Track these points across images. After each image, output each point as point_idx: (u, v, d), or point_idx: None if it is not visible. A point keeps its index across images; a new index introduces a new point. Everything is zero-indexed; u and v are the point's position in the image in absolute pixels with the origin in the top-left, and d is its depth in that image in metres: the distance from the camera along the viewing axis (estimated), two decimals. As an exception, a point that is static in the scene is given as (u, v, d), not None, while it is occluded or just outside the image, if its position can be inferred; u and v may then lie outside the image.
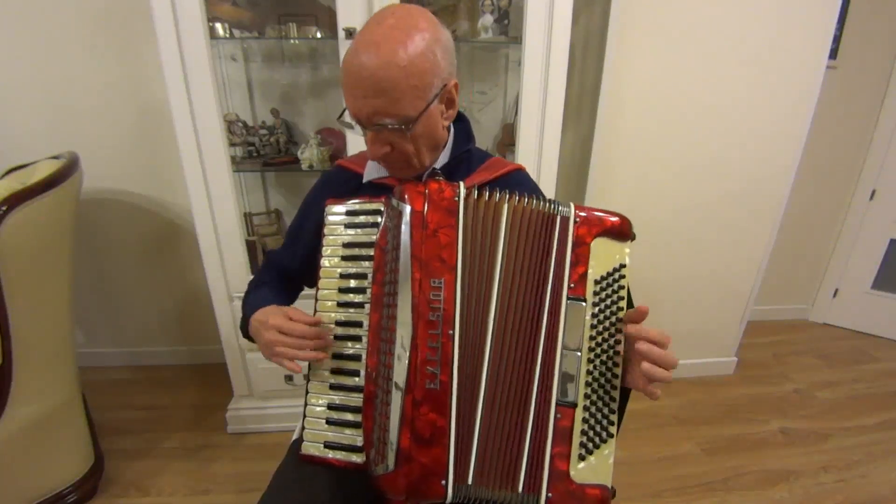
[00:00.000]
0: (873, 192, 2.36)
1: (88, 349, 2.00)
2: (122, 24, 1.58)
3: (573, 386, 0.62)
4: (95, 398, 1.54)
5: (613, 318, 0.64)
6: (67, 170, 1.22)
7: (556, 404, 0.62)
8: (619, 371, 0.63)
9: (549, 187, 1.44)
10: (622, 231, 0.65)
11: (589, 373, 0.63)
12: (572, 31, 1.28)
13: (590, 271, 0.64)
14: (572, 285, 0.63)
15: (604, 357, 0.63)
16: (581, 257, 0.64)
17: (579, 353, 0.63)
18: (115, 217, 1.84)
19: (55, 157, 1.30)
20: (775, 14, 1.58)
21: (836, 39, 2.12)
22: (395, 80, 0.61)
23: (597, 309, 0.64)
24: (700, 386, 2.04)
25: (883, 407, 1.93)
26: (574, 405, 0.62)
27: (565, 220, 0.65)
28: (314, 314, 0.71)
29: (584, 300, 0.63)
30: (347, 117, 0.69)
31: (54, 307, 1.25)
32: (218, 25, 1.34)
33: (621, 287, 0.64)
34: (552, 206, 0.65)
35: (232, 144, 1.52)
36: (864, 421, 1.84)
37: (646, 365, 0.59)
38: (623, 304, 0.64)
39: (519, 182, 0.83)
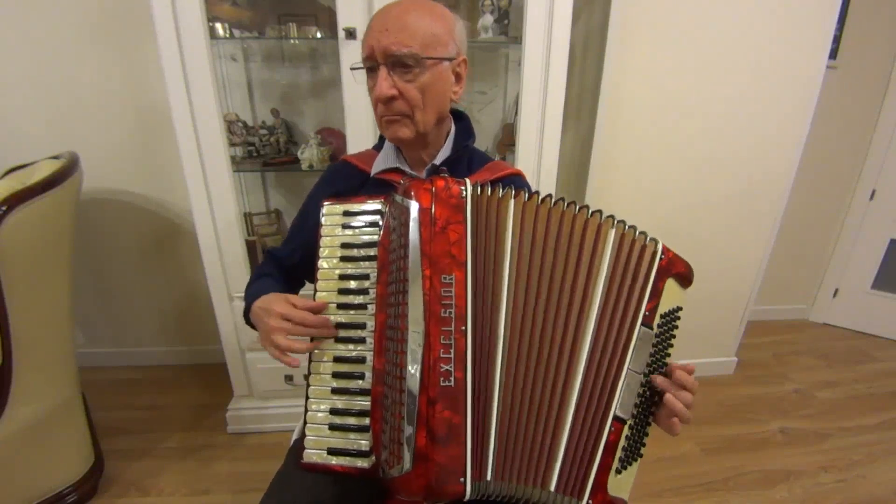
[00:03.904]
0: (873, 192, 2.36)
1: (88, 349, 2.00)
2: (122, 24, 1.58)
3: (629, 405, 0.65)
4: (95, 398, 1.54)
5: (665, 352, 0.68)
6: (67, 170, 1.22)
7: (613, 419, 0.64)
8: (658, 399, 0.68)
9: (549, 187, 1.43)
10: (688, 278, 0.71)
11: (640, 395, 0.66)
12: (572, 30, 1.28)
13: (659, 305, 0.68)
14: (647, 313, 0.66)
15: (654, 382, 0.67)
16: (658, 290, 0.67)
17: (641, 376, 0.66)
18: (115, 217, 1.84)
19: (55, 157, 1.30)
20: (775, 14, 1.58)
21: (836, 39, 2.12)
22: (419, 22, 0.69)
23: (656, 339, 0.67)
24: (700, 386, 2.01)
25: (883, 407, 1.93)
26: (625, 422, 0.65)
27: (641, 246, 0.67)
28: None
29: (653, 328, 0.67)
30: (360, 78, 0.75)
31: (54, 307, 1.25)
32: (218, 25, 1.34)
33: (675, 326, 0.69)
34: (640, 234, 0.68)
35: (232, 144, 1.52)
36: (864, 421, 1.84)
37: (674, 402, 0.65)
38: (674, 341, 0.69)
39: (517, 186, 0.83)
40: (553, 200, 0.66)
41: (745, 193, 1.82)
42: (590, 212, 0.66)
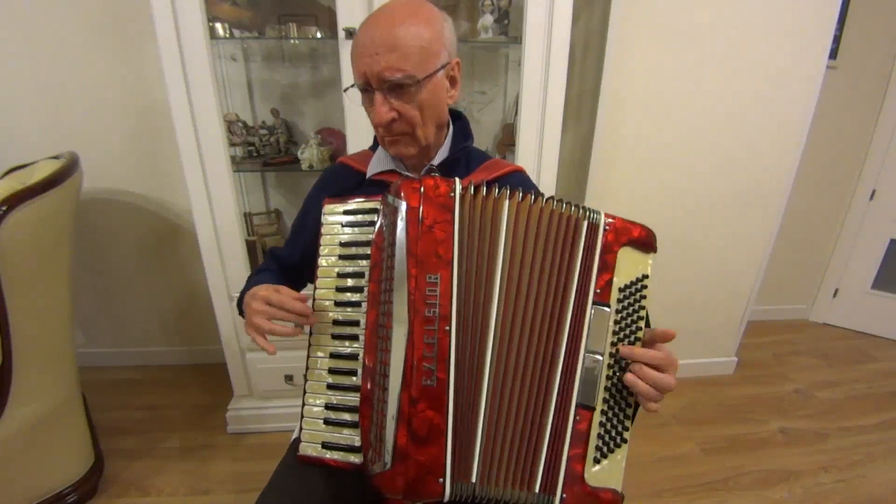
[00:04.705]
0: (873, 192, 2.36)
1: (88, 349, 2.00)
2: (122, 24, 1.58)
3: (593, 389, 0.63)
4: (95, 398, 1.54)
5: (634, 327, 0.65)
6: (67, 170, 1.22)
7: (577, 406, 0.63)
8: None
9: (549, 187, 1.43)
10: (648, 242, 0.66)
11: (609, 378, 0.64)
12: (572, 31, 1.28)
13: (615, 279, 0.65)
14: (598, 291, 0.64)
15: (623, 363, 0.64)
16: (608, 264, 0.65)
17: (601, 358, 0.64)
18: (115, 217, 1.84)
19: (55, 157, 1.30)
20: (775, 14, 1.58)
21: (836, 39, 2.12)
22: (408, 37, 0.66)
23: (619, 316, 0.65)
24: (700, 386, 2.04)
25: (883, 407, 1.93)
26: (593, 408, 0.63)
27: (594, 225, 0.65)
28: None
29: (609, 306, 0.64)
30: (355, 98, 0.73)
31: (54, 307, 1.25)
32: (218, 25, 1.34)
33: (643, 297, 0.66)
34: (582, 210, 0.66)
35: (232, 144, 1.52)
36: (864, 421, 1.84)
37: (641, 386, 0.61)
38: (644, 313, 0.65)
39: (519, 183, 0.83)
40: (544, 199, 0.65)
41: (745, 193, 1.82)
42: (579, 209, 0.65)
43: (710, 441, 1.72)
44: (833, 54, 2.11)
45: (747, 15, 1.57)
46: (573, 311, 0.64)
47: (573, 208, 0.66)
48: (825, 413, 1.89)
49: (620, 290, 0.65)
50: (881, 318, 2.47)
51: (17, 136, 1.67)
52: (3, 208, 1.04)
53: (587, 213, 0.65)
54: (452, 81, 0.75)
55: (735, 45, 1.60)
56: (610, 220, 0.66)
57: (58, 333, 1.27)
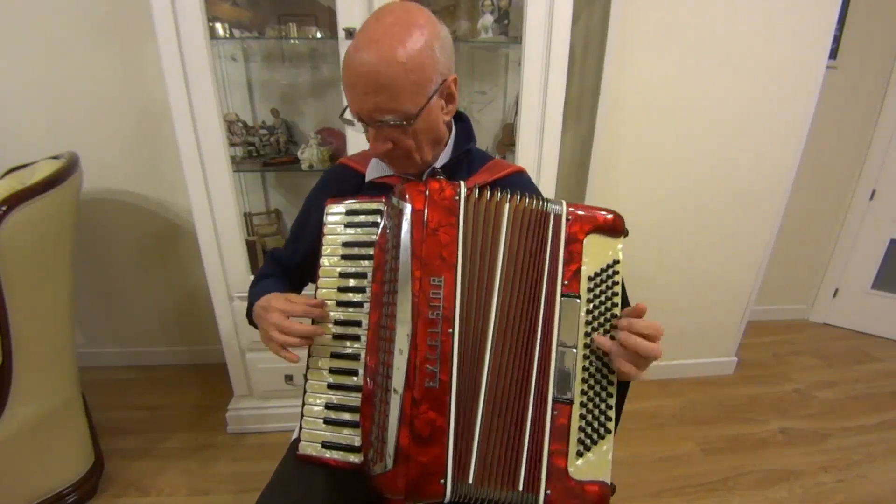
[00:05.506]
0: (873, 192, 2.36)
1: (88, 349, 2.00)
2: (122, 24, 1.58)
3: (569, 383, 0.63)
4: (95, 398, 1.54)
5: (608, 314, 0.64)
6: (67, 170, 1.22)
7: (553, 401, 0.62)
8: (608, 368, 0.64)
9: (549, 187, 1.44)
10: (615, 227, 0.65)
11: (585, 369, 0.63)
12: (572, 31, 1.28)
13: (583, 268, 0.64)
14: (566, 282, 0.64)
15: (599, 352, 0.64)
16: (574, 254, 0.64)
17: (575, 350, 0.63)
18: (115, 217, 1.84)
19: (55, 157, 1.30)
20: (775, 14, 1.58)
21: (836, 39, 2.12)
22: (395, 76, 0.62)
23: (591, 305, 0.64)
24: (700, 386, 2.04)
25: (883, 407, 1.93)
26: (571, 402, 0.62)
27: (558, 217, 0.65)
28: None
29: (578, 297, 0.64)
30: (349, 115, 0.70)
31: (54, 307, 1.25)
32: (218, 25, 1.34)
33: (615, 283, 0.65)
34: (545, 203, 0.66)
35: (232, 144, 1.52)
36: (864, 421, 1.84)
37: (630, 339, 0.59)
38: (617, 299, 0.65)
39: (520, 184, 0.83)
40: (536, 201, 0.65)
41: (745, 193, 1.82)
42: (543, 203, 0.66)
43: (710, 441, 1.72)
44: (833, 54, 2.11)
45: (747, 15, 1.57)
46: (545, 306, 0.64)
47: (538, 202, 0.66)
48: (825, 413, 1.89)
49: (590, 278, 0.64)
50: (881, 318, 2.47)
51: (17, 136, 1.67)
52: (3, 208, 1.04)
53: (549, 206, 0.66)
54: (449, 98, 0.72)
55: (735, 45, 1.60)
56: (572, 209, 0.65)
57: (58, 333, 1.27)
